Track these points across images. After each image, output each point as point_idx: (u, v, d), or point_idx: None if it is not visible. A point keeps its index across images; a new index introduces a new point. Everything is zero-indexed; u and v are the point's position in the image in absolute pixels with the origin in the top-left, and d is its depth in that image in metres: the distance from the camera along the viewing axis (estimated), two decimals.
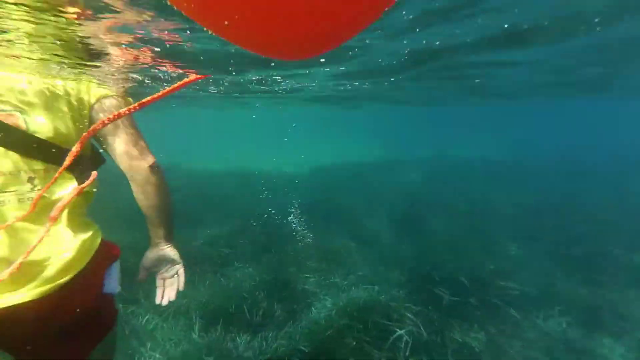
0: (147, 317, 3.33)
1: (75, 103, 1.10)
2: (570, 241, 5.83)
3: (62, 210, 0.96)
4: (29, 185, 1.02)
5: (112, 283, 1.23)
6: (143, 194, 1.22)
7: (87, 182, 1.04)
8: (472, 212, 7.55)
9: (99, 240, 1.18)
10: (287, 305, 3.76)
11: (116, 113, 0.81)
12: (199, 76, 0.84)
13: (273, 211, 6.85)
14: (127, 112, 0.81)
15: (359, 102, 11.37)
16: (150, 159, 1.20)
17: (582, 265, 4.95)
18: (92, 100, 1.12)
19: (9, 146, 0.97)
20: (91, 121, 1.11)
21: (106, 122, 0.92)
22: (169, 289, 1.34)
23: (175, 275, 1.34)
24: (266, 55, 0.55)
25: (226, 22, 0.42)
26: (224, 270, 4.31)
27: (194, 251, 4.67)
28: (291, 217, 6.63)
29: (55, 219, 0.95)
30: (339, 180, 11.37)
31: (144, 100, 0.79)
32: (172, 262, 1.32)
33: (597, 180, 11.48)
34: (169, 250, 1.32)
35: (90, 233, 1.14)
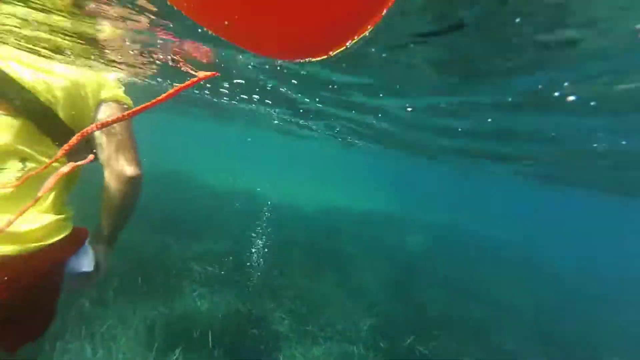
0: (109, 322, 3.20)
1: (90, 99, 1.17)
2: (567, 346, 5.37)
3: (53, 184, 0.99)
4: (20, 165, 1.06)
5: (82, 262, 1.21)
6: (111, 198, 1.22)
7: (84, 161, 1.06)
8: (471, 294, 7.16)
9: (70, 226, 1.17)
10: (254, 345, 3.54)
11: (120, 115, 0.85)
12: (205, 75, 0.82)
13: (268, 241, 6.74)
14: (126, 116, 0.85)
15: (384, 147, 11.39)
16: (135, 170, 1.21)
17: None
18: (95, 102, 1.19)
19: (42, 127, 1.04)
20: (93, 120, 1.17)
21: (99, 126, 0.97)
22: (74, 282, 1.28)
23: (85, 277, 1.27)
24: (265, 55, 0.55)
25: (226, 22, 0.43)
26: (203, 290, 4.17)
27: (179, 263, 4.59)
28: (284, 251, 6.49)
29: (47, 190, 0.98)
30: (342, 224, 11.20)
31: (147, 104, 0.79)
32: (95, 263, 1.27)
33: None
34: (100, 250, 1.29)
35: (63, 216, 1.15)
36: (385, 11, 0.56)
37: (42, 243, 1.07)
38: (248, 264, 5.34)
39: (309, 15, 0.42)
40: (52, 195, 1.12)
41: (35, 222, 1.06)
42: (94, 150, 1.20)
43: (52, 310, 1.17)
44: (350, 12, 0.45)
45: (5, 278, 0.97)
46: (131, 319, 3.31)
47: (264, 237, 6.92)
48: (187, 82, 0.76)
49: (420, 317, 5.17)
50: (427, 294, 6.31)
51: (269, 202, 12.44)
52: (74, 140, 0.94)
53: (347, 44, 0.58)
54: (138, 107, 0.82)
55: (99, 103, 1.20)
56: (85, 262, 1.22)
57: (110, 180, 1.21)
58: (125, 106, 1.25)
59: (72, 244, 1.18)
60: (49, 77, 1.11)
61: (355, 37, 0.52)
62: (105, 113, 1.19)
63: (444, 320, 5.25)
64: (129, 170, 1.20)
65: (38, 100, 1.06)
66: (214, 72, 0.79)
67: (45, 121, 1.06)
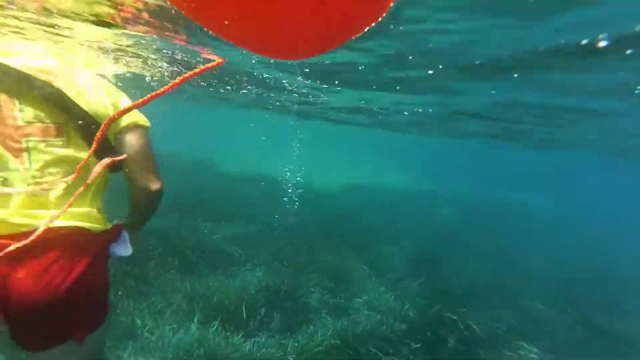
0: (154, 299, 3.53)
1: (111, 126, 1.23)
2: (602, 311, 5.20)
3: (99, 172, 1.13)
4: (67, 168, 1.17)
5: (122, 248, 1.34)
6: (139, 205, 1.38)
7: (119, 158, 1.20)
8: (501, 261, 7.03)
9: (108, 224, 1.28)
10: (285, 316, 3.76)
11: (138, 102, 0.93)
12: (211, 64, 0.78)
13: (294, 221, 6.95)
14: (140, 104, 0.94)
15: (406, 126, 11.23)
16: (157, 185, 1.32)
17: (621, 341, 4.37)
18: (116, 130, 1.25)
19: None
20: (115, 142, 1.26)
21: (119, 114, 1.06)
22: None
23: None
24: (264, 55, 0.56)
25: (226, 22, 0.43)
26: (234, 268, 4.45)
27: (211, 244, 4.88)
28: (310, 230, 6.67)
29: (96, 174, 1.11)
30: (366, 202, 11.25)
31: (158, 91, 0.81)
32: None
33: None
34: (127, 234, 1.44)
35: (101, 216, 1.26)
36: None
37: (96, 225, 1.18)
38: (276, 243, 5.57)
39: (310, 14, 0.41)
40: (90, 194, 1.21)
41: (84, 211, 1.18)
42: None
43: (106, 297, 1.27)
44: (349, 12, 0.44)
45: (69, 255, 1.08)
46: (172, 295, 3.62)
47: (290, 217, 7.14)
48: (195, 70, 0.75)
49: (448, 286, 5.19)
50: (455, 265, 6.28)
51: (296, 184, 12.67)
52: (98, 135, 1.04)
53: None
54: (148, 96, 0.86)
55: (120, 131, 1.26)
56: (123, 248, 1.34)
57: (136, 193, 1.33)
58: (145, 129, 1.31)
59: (114, 234, 1.30)
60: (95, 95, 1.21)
61: (354, 35, 0.52)
62: (127, 139, 1.26)
63: (473, 289, 5.23)
64: (153, 186, 1.30)
65: (88, 115, 1.15)
66: (219, 61, 0.79)
67: (89, 133, 1.14)
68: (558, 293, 5.71)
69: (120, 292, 3.44)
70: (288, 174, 15.67)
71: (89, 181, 1.11)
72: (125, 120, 1.24)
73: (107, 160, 1.15)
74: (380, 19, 0.56)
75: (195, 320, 3.35)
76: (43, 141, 1.10)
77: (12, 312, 1.01)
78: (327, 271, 4.92)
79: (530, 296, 5.32)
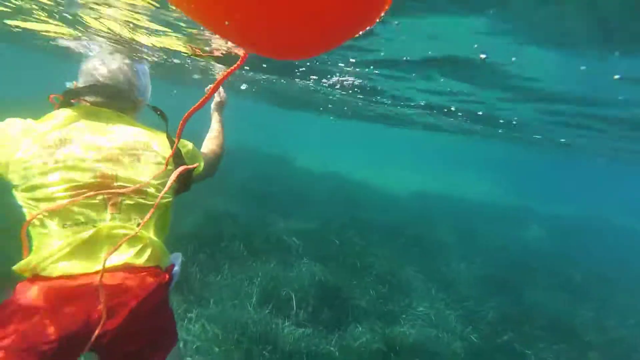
0: (219, 276, 3.96)
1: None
2: None
3: (174, 180, 1.23)
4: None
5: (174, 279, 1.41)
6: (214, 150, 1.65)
7: (192, 166, 1.31)
8: (599, 297, 5.83)
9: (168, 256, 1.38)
10: (334, 313, 3.81)
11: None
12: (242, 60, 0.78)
13: (356, 221, 6.94)
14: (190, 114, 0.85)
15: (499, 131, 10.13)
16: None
17: None
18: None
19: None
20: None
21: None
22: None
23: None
24: (264, 55, 0.56)
25: (227, 22, 0.43)
26: (292, 260, 4.68)
27: (271, 235, 5.22)
28: (371, 231, 6.57)
29: (172, 182, 1.21)
30: (441, 211, 10.53)
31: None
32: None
33: None
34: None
35: (165, 251, 1.32)
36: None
37: (164, 261, 1.29)
38: (334, 242, 5.66)
39: (311, 11, 0.41)
40: (154, 226, 1.26)
41: (153, 245, 1.25)
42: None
43: (174, 322, 1.34)
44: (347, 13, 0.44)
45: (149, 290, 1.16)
46: (236, 275, 4.01)
47: (352, 218, 7.16)
48: (232, 69, 0.75)
49: (526, 316, 4.55)
50: (539, 294, 5.46)
51: (366, 186, 12.64)
52: (179, 132, 0.98)
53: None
54: (199, 102, 0.82)
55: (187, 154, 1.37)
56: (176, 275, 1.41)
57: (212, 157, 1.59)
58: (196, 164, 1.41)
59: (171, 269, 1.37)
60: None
61: (352, 36, 0.52)
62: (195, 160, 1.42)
63: (559, 324, 4.49)
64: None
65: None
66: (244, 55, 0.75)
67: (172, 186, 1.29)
68: None
69: (195, 264, 3.96)
70: (360, 175, 15.66)
71: (166, 187, 1.20)
72: (187, 146, 1.40)
73: (181, 169, 1.26)
74: (385, 11, 0.55)
75: (253, 301, 3.66)
76: (132, 196, 1.20)
77: (103, 343, 1.08)
78: (384, 276, 4.80)
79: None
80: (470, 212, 11.25)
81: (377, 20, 0.53)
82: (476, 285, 5.37)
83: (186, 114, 0.83)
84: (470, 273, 5.79)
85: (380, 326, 3.71)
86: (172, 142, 1.31)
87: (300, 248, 5.09)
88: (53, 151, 1.11)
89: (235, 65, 0.76)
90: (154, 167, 1.24)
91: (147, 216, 1.15)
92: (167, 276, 1.27)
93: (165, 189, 1.20)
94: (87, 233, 1.12)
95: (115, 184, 1.17)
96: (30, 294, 1.04)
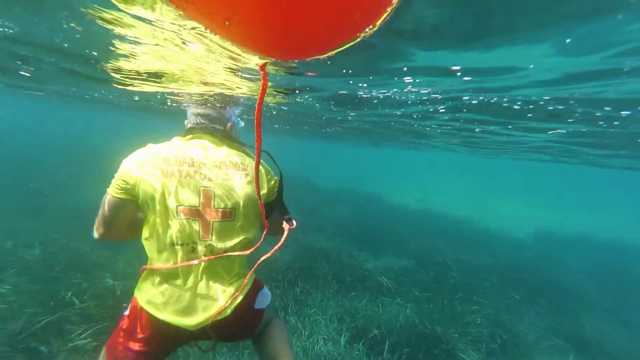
0: (313, 310, 4.10)
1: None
2: None
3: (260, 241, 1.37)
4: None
5: (264, 301, 1.63)
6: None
7: (292, 226, 1.40)
8: None
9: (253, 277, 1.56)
10: None
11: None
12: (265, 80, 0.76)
13: (459, 263, 6.24)
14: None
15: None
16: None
17: None
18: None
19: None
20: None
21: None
22: None
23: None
24: (265, 55, 0.56)
25: (227, 22, 0.43)
26: (383, 299, 4.50)
27: (364, 272, 5.16)
28: (477, 275, 5.78)
29: (285, 237, 1.33)
30: (574, 256, 8.54)
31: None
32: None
33: None
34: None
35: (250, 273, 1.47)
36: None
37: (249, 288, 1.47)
38: (429, 283, 5.21)
39: (311, 10, 0.41)
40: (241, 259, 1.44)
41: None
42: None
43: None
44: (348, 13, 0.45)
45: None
46: (326, 309, 4.08)
47: (454, 259, 6.49)
48: (262, 92, 0.74)
49: None
50: None
51: (468, 222, 11.42)
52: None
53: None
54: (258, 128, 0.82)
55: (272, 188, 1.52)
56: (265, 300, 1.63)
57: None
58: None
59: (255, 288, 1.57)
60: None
61: (351, 37, 0.54)
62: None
63: None
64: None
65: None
66: (264, 75, 0.76)
67: (254, 211, 1.43)
68: None
69: (290, 296, 4.24)
70: (464, 211, 14.25)
71: (282, 240, 1.30)
72: (274, 180, 1.54)
73: (289, 226, 1.40)
74: (388, 13, 0.58)
75: (343, 337, 3.64)
76: (222, 220, 1.34)
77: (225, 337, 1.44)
78: (492, 329, 4.11)
79: None
80: (611, 256, 8.71)
81: (386, 9, 0.53)
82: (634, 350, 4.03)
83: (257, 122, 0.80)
84: (619, 333, 4.40)
85: None
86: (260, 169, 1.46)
87: (392, 287, 4.87)
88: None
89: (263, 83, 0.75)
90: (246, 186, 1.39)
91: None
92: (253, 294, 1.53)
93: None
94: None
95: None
96: None
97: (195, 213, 1.29)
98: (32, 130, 17.16)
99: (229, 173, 1.35)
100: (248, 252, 1.35)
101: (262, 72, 0.69)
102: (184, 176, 1.29)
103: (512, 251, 8.29)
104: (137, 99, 6.42)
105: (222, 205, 1.32)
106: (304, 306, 4.14)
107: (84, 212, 5.66)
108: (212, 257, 1.29)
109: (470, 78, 2.51)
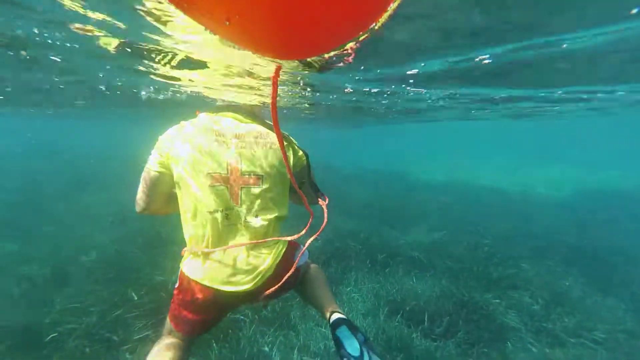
0: (349, 287, 4.24)
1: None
2: None
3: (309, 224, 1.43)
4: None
5: (303, 258, 1.73)
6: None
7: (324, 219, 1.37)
8: None
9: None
10: (475, 329, 3.47)
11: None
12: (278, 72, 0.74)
13: (494, 229, 6.13)
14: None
15: None
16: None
17: None
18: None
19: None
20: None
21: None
22: None
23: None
24: (265, 55, 0.55)
25: (227, 22, 0.43)
26: (417, 272, 4.56)
27: (395, 249, 5.22)
28: (511, 241, 5.66)
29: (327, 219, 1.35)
30: (614, 213, 8.08)
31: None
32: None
33: None
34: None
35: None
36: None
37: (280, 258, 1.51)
38: (463, 253, 5.18)
39: (311, 10, 0.41)
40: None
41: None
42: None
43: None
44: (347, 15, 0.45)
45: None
46: (362, 287, 4.21)
47: (491, 228, 6.38)
48: (274, 87, 0.71)
49: None
50: None
51: (498, 191, 11.08)
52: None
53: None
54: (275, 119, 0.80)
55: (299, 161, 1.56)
56: (303, 257, 1.73)
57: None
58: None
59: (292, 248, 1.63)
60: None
61: (350, 38, 0.54)
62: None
63: None
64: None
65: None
66: (278, 66, 0.76)
67: (283, 179, 1.49)
68: None
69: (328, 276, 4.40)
70: (492, 180, 13.78)
71: (325, 221, 1.34)
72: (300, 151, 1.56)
73: (324, 202, 1.49)
74: (387, 13, 0.61)
75: (381, 312, 3.75)
76: (250, 186, 1.40)
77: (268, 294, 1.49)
78: (534, 291, 4.06)
79: None
80: None
81: (386, 8, 0.56)
82: None
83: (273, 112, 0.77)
84: None
85: (538, 347, 3.16)
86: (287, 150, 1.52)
87: (425, 260, 4.91)
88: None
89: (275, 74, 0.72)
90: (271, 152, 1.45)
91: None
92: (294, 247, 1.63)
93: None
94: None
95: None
96: None
97: (224, 180, 1.36)
98: (74, 149, 18.45)
99: (256, 143, 1.42)
100: (296, 236, 1.44)
101: (272, 77, 0.69)
102: (213, 146, 1.36)
103: (551, 213, 7.98)
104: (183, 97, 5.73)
105: (250, 171, 1.38)
106: (340, 285, 4.29)
107: (129, 219, 6.13)
108: (253, 241, 1.40)
109: None
